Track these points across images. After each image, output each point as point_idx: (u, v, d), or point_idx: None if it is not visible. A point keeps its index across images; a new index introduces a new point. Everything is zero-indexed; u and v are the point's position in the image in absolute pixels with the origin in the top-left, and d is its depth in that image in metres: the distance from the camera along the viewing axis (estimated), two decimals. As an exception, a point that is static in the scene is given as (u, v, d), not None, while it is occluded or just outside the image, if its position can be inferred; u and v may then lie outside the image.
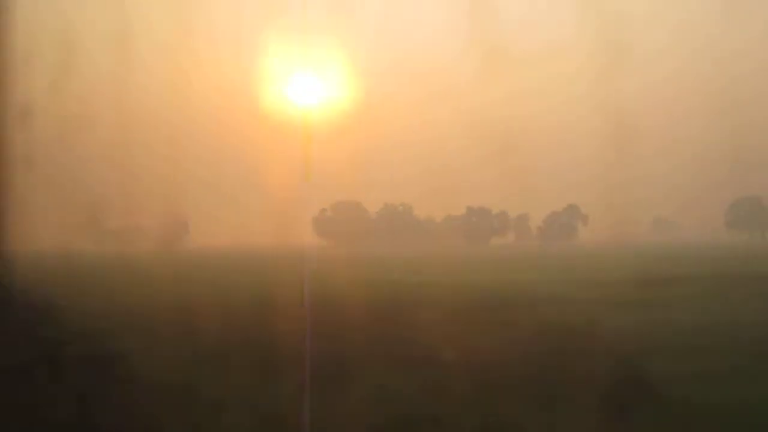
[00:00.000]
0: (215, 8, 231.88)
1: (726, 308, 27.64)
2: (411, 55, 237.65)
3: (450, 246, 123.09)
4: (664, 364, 16.45)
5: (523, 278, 45.42)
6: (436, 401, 13.71)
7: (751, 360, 17.29)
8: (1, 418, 12.34)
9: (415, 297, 32.81)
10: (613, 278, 41.96)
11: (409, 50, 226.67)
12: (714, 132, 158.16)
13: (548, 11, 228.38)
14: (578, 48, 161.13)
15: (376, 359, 16.60)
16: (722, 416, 12.54)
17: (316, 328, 18.87)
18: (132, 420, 12.63)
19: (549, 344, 19.07)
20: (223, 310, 26.29)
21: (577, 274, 48.97)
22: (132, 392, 13.84)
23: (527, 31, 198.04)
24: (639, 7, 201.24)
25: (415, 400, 13.78)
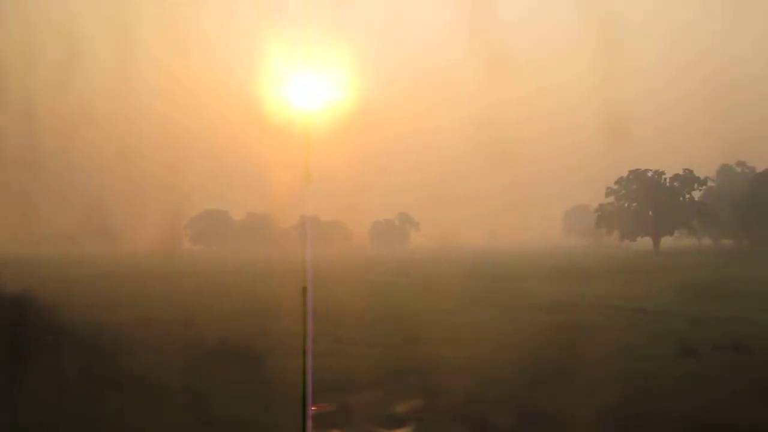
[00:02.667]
0: (218, 10, 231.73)
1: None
2: (413, 58, 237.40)
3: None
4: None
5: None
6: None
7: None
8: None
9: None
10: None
11: (410, 54, 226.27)
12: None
13: (548, 19, 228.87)
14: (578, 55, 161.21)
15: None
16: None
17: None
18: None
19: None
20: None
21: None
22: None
23: (528, 37, 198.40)
24: (639, 15, 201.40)
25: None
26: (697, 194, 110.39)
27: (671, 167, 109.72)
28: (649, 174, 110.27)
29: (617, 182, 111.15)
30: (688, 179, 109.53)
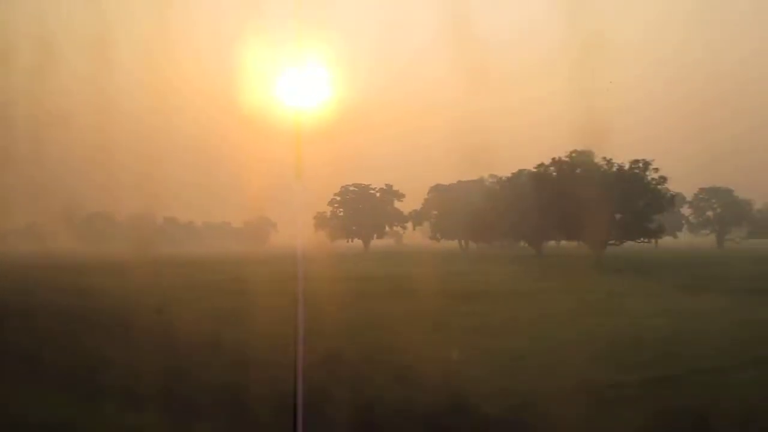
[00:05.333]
0: (197, 7, 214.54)
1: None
2: (397, 66, 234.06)
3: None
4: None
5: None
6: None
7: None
8: None
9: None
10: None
11: (393, 62, 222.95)
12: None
13: (531, 34, 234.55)
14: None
15: None
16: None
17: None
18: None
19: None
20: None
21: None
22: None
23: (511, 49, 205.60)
24: (621, 32, 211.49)
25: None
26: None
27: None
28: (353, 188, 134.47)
29: (337, 193, 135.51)
30: (392, 192, 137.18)
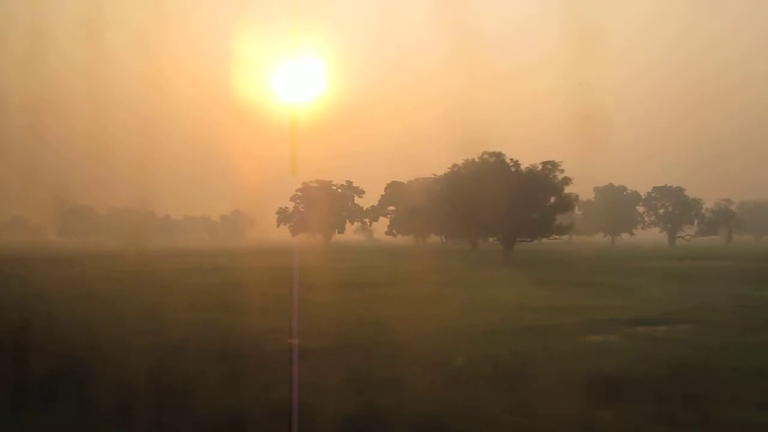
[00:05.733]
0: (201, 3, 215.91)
1: None
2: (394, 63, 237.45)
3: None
4: None
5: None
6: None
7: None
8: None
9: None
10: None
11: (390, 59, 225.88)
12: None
13: (529, 31, 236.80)
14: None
15: None
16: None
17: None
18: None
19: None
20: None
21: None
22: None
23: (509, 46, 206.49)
24: (619, 30, 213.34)
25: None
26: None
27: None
28: (315, 185, 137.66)
29: (299, 189, 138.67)
30: (352, 189, 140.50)
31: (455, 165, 64.56)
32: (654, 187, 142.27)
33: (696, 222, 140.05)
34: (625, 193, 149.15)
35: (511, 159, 62.81)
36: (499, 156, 62.49)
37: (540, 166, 62.69)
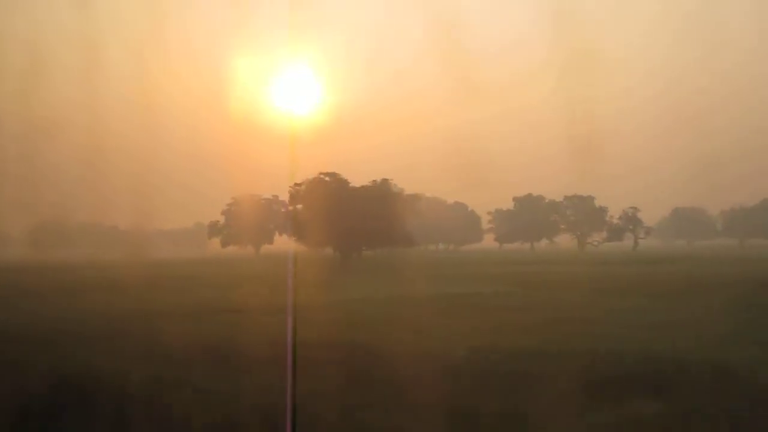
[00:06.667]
0: (191, 11, 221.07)
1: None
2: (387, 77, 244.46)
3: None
4: None
5: None
6: None
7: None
8: None
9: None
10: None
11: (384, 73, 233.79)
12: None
13: (519, 46, 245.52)
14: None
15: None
16: None
17: None
18: None
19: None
20: None
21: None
22: None
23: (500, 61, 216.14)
24: (610, 43, 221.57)
25: None
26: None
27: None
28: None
29: (230, 203, 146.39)
30: (278, 202, 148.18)
31: (296, 184, 72.24)
32: (565, 197, 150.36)
33: (604, 228, 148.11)
34: (545, 202, 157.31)
35: (344, 178, 70.60)
36: (333, 176, 70.26)
37: (371, 183, 70.54)
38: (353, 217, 67.84)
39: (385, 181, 69.89)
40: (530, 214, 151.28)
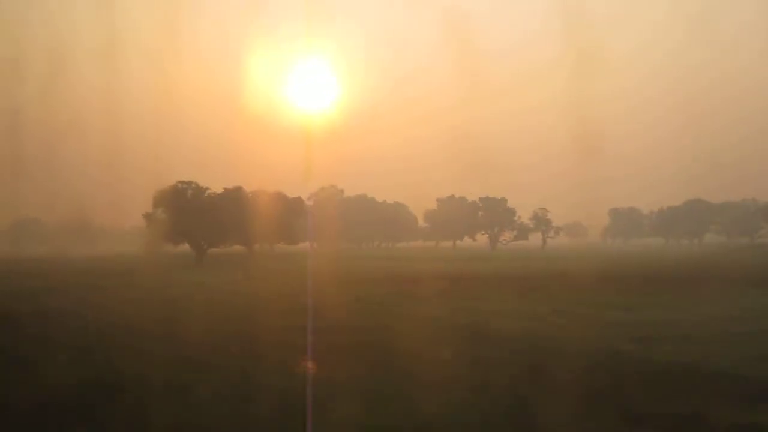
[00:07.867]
0: (206, 13, 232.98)
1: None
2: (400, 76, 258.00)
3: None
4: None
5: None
6: None
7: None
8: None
9: None
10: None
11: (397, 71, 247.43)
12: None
13: (527, 47, 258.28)
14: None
15: None
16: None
17: None
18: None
19: None
20: None
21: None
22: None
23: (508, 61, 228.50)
24: (618, 43, 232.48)
25: None
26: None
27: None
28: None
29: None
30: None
31: (162, 191, 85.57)
32: (480, 198, 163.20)
33: (515, 228, 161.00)
34: (468, 202, 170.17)
35: (202, 186, 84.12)
36: (190, 184, 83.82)
37: (223, 190, 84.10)
38: (206, 218, 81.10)
39: (238, 188, 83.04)
40: (452, 215, 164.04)
